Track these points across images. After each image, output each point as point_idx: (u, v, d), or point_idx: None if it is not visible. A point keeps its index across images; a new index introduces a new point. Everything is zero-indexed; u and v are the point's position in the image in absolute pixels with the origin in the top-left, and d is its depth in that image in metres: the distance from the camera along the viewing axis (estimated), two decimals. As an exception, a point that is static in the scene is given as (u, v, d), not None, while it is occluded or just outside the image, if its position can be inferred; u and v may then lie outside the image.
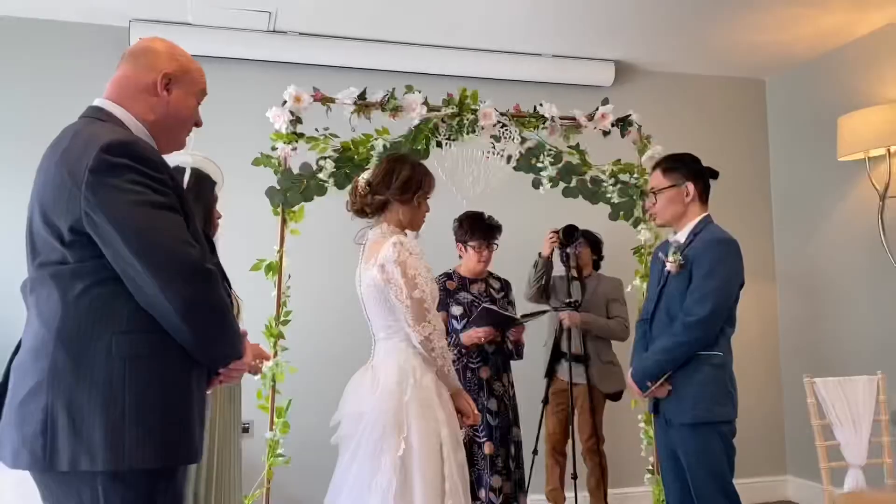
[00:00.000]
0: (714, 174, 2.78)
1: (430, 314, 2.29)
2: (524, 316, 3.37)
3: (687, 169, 2.71)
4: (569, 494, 3.80)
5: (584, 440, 3.73)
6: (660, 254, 2.74)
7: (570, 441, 3.71)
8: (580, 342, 3.66)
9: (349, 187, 2.58)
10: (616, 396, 3.84)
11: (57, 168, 1.46)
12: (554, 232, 3.68)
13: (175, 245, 1.43)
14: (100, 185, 1.41)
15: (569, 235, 3.60)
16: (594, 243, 3.90)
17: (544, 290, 3.73)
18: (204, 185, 2.36)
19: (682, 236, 2.69)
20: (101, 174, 1.41)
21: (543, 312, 3.60)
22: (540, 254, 3.75)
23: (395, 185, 2.39)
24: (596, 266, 3.93)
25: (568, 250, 3.62)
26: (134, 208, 1.41)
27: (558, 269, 3.78)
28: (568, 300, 3.62)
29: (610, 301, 3.81)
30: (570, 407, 3.60)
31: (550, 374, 3.79)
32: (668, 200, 2.71)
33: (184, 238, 1.45)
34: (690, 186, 2.69)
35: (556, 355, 3.77)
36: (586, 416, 3.68)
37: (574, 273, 3.67)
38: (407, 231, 2.46)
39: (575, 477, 3.60)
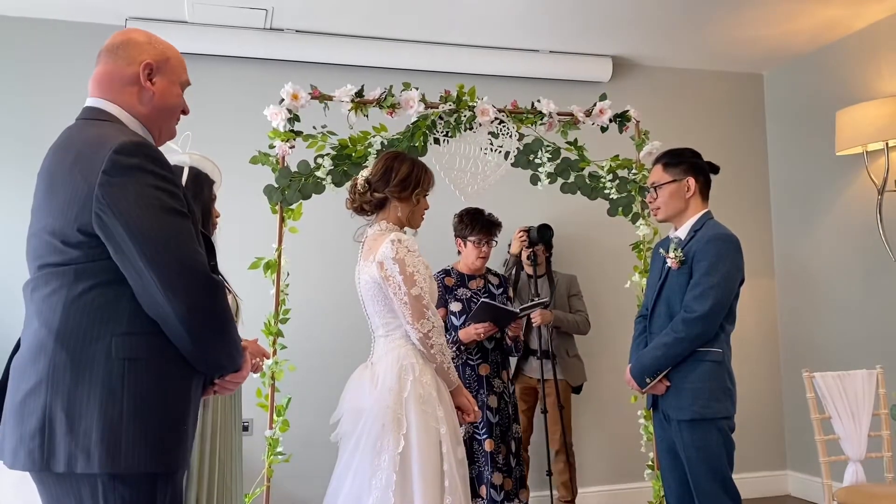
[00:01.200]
0: (715, 169, 2.77)
1: (429, 311, 2.29)
2: (523, 309, 3.38)
3: (688, 164, 2.71)
4: (542, 493, 3.81)
5: (557, 438, 3.73)
6: (661, 249, 2.74)
7: (544, 437, 3.72)
8: (549, 339, 3.69)
9: (348, 185, 2.58)
10: (579, 389, 3.99)
11: (70, 171, 1.45)
12: (523, 230, 3.70)
13: (184, 252, 1.42)
14: (113, 187, 1.40)
15: (542, 234, 3.64)
16: (547, 241, 3.93)
17: (514, 289, 3.77)
18: (202, 183, 2.36)
19: (682, 232, 2.69)
20: (114, 176, 1.41)
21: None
22: (510, 252, 3.79)
23: (393, 182, 2.39)
24: (548, 263, 3.96)
25: (535, 249, 3.66)
26: (146, 212, 1.40)
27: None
28: (541, 299, 3.64)
29: (570, 296, 3.92)
30: (543, 403, 3.60)
31: (516, 372, 3.82)
32: (668, 195, 2.71)
33: (193, 245, 1.45)
34: (691, 181, 2.68)
35: (524, 353, 3.80)
36: (555, 413, 3.69)
37: (541, 271, 3.70)
38: (406, 228, 2.46)
39: (549, 474, 3.64)
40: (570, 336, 3.93)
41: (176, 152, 2.35)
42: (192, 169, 2.34)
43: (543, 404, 3.59)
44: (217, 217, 2.57)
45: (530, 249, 3.68)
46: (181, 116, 1.71)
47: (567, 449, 3.75)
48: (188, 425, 1.49)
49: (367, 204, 2.44)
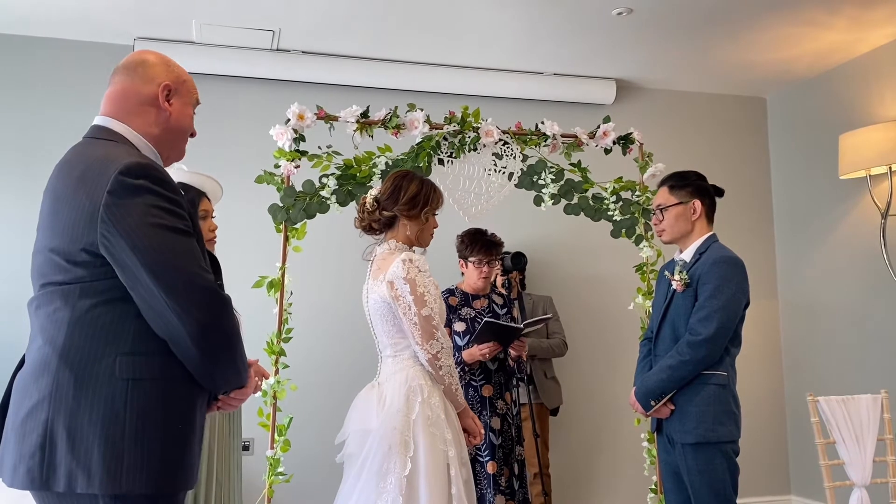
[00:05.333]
0: (720, 192, 2.78)
1: (439, 332, 2.28)
2: (526, 324, 3.38)
3: (694, 186, 2.72)
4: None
5: (534, 462, 3.68)
6: (666, 272, 2.74)
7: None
8: (526, 363, 3.69)
9: (356, 204, 2.58)
10: (556, 411, 3.98)
11: (75, 191, 1.45)
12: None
13: (192, 270, 1.42)
14: (118, 208, 1.41)
15: (516, 261, 3.66)
16: (520, 268, 3.94)
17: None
18: (187, 197, 2.36)
19: (687, 255, 2.69)
20: (119, 196, 1.41)
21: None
22: None
23: (402, 200, 2.39)
24: (522, 285, 3.97)
25: (510, 276, 3.67)
26: (152, 231, 1.41)
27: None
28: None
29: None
30: (520, 426, 3.50)
31: None
32: (674, 217, 2.71)
33: (199, 263, 1.45)
34: (697, 204, 2.69)
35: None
36: (531, 440, 3.66)
37: (514, 295, 3.71)
38: (415, 247, 2.46)
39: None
40: (548, 358, 3.93)
41: (173, 170, 2.37)
42: (179, 184, 2.35)
43: (521, 432, 3.51)
44: (214, 230, 2.56)
45: (505, 277, 3.70)
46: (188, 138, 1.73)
47: (542, 471, 3.72)
48: (193, 446, 1.48)
49: (376, 223, 2.44)
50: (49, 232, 1.49)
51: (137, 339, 1.43)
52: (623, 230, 3.40)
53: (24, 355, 1.53)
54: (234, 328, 1.49)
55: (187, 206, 1.52)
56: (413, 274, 2.26)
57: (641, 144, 3.49)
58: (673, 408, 2.58)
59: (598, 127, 3.40)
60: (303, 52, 4.14)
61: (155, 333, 1.44)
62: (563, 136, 3.34)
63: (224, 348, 1.47)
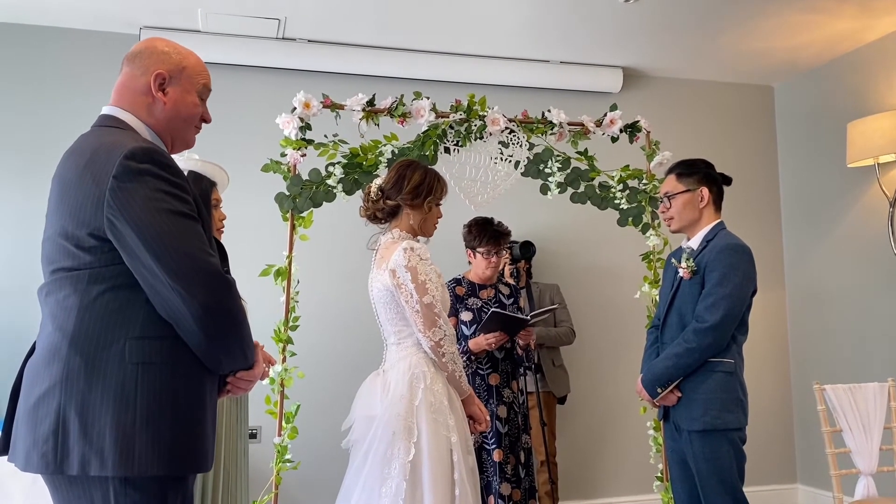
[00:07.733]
0: (727, 180, 2.77)
1: (441, 319, 2.29)
2: (533, 315, 3.38)
3: (701, 174, 2.71)
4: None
5: (541, 451, 3.69)
6: (673, 260, 2.74)
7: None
8: (534, 351, 3.69)
9: (361, 192, 2.59)
10: (564, 400, 3.98)
11: (82, 176, 1.47)
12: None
13: (196, 252, 1.44)
14: (123, 192, 1.42)
15: (524, 251, 3.66)
16: (528, 258, 3.94)
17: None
18: (200, 186, 2.37)
19: (695, 242, 2.68)
20: (124, 181, 1.42)
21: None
22: None
23: (405, 189, 2.40)
24: (529, 275, 3.97)
25: (517, 265, 3.67)
26: (156, 215, 1.42)
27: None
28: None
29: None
30: (526, 414, 3.51)
31: None
32: (682, 205, 2.71)
33: (203, 247, 1.46)
34: (705, 191, 2.68)
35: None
36: (538, 428, 3.67)
37: (522, 285, 3.71)
38: (419, 237, 2.46)
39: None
40: (556, 346, 3.94)
41: (181, 160, 2.38)
42: (190, 173, 2.36)
43: (528, 420, 3.51)
44: (223, 219, 2.58)
45: (513, 266, 3.71)
46: (202, 125, 1.73)
47: (549, 459, 3.73)
48: (204, 428, 1.49)
49: (380, 212, 2.45)
50: (57, 217, 1.50)
51: (147, 323, 1.44)
52: (630, 219, 3.39)
53: (34, 342, 1.54)
54: (238, 310, 1.50)
55: (195, 193, 1.53)
56: (414, 262, 2.27)
57: (648, 133, 3.48)
58: (680, 395, 2.59)
59: (605, 115, 3.40)
60: (309, 41, 4.14)
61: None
62: (569, 124, 3.33)
63: (228, 330, 1.48)
